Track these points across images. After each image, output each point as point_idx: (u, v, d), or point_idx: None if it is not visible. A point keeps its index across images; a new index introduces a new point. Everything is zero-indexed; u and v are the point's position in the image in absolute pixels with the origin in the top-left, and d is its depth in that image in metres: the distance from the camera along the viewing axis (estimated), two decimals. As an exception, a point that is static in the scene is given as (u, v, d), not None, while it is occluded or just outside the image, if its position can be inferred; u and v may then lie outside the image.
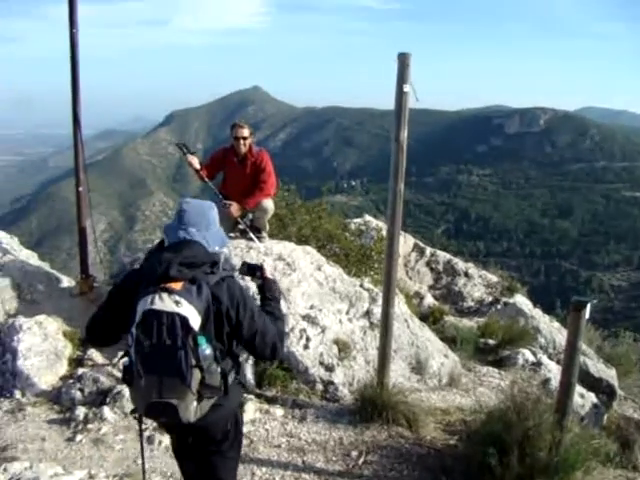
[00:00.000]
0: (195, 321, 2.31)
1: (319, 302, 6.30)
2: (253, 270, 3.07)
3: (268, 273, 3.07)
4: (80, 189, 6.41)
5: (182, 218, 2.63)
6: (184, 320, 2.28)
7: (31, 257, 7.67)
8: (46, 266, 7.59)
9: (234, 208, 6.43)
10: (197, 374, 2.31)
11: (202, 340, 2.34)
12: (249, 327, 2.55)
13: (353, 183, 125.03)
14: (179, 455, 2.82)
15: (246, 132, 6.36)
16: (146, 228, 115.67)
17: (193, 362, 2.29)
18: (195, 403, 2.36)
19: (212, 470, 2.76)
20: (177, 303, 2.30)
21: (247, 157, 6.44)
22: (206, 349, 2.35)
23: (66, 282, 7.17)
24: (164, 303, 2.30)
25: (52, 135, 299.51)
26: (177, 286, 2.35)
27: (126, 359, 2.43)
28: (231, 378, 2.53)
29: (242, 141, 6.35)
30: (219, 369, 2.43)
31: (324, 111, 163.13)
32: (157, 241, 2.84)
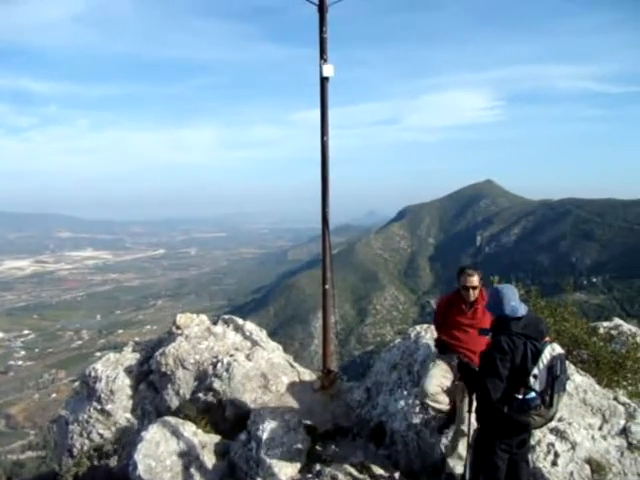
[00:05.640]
0: None
1: (568, 414, 5.97)
2: None
3: None
4: (326, 287, 6.95)
5: (507, 298, 4.44)
6: (565, 356, 4.41)
7: (277, 349, 8.41)
8: (290, 358, 8.24)
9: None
10: None
11: None
12: None
13: (594, 280, 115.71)
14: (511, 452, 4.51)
15: (476, 280, 5.71)
16: (377, 322, 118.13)
17: None
18: None
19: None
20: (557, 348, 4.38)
21: (477, 301, 5.77)
22: None
23: (308, 375, 7.69)
24: (556, 350, 4.29)
25: (291, 229, 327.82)
26: (549, 339, 4.45)
27: (532, 394, 4.17)
28: None
29: (472, 291, 5.71)
30: None
31: (561, 203, 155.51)
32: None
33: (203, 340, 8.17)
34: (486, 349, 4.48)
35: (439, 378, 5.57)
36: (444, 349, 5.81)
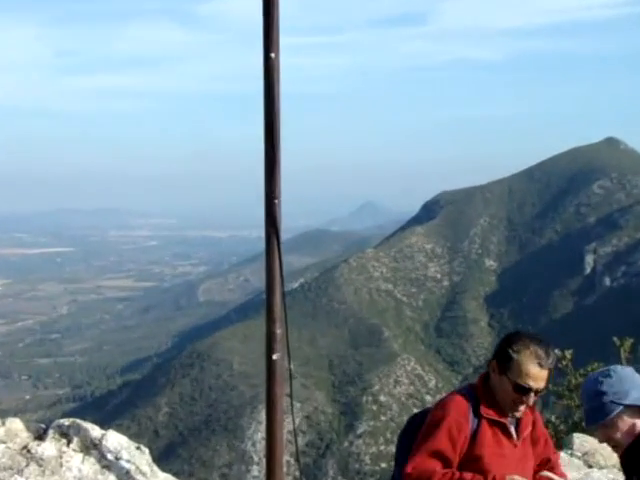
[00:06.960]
0: None
1: None
2: None
3: None
4: (275, 357, 6.88)
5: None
6: None
7: (173, 487, 8.35)
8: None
9: None
10: None
11: None
12: None
13: None
14: None
15: (547, 374, 5.33)
16: (379, 430, 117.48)
17: None
18: None
19: None
20: None
21: (521, 418, 5.58)
22: None
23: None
24: None
25: (205, 240, 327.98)
26: None
27: None
28: None
29: (533, 396, 5.34)
30: None
31: None
32: None
33: (14, 474, 8.09)
34: None
35: None
36: None
